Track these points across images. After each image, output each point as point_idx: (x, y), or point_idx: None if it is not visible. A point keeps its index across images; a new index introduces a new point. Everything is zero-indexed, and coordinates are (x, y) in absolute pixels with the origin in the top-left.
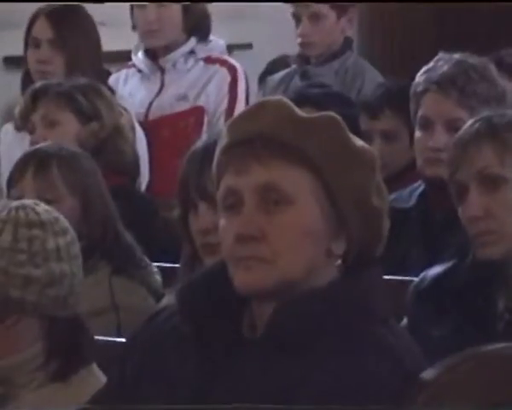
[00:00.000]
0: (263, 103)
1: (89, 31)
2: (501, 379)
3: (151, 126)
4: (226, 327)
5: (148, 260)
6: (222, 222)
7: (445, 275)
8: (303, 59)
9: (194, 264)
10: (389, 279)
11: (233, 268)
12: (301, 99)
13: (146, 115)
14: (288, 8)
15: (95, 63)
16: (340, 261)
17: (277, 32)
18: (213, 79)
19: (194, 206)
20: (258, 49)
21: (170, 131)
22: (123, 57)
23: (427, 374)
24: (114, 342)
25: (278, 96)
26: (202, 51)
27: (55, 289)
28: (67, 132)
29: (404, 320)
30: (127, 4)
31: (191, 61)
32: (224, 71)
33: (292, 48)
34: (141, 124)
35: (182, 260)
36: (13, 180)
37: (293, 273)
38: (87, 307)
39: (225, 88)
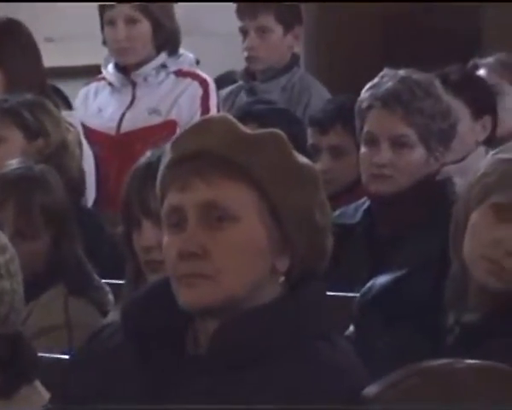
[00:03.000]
0: (207, 120)
1: (27, 46)
2: (444, 395)
3: (123, 140)
4: (169, 344)
5: (101, 281)
6: (165, 239)
7: (394, 285)
8: (249, 75)
9: (138, 281)
10: (335, 295)
11: (176, 285)
12: (245, 115)
13: (117, 129)
14: (236, 24)
15: (36, 78)
16: (283, 278)
17: (224, 49)
18: (185, 93)
19: (137, 223)
20: (205, 65)
21: (142, 145)
22: (70, 73)
23: (370, 390)
24: (60, 359)
25: (222, 113)
26: (173, 65)
27: None
28: (13, 149)
29: (350, 328)
30: (76, 19)
31: (162, 75)
32: (195, 84)
33: (238, 65)
34: (112, 137)
35: (126, 277)
36: None
37: (236, 290)
38: (40, 324)
39: (197, 102)
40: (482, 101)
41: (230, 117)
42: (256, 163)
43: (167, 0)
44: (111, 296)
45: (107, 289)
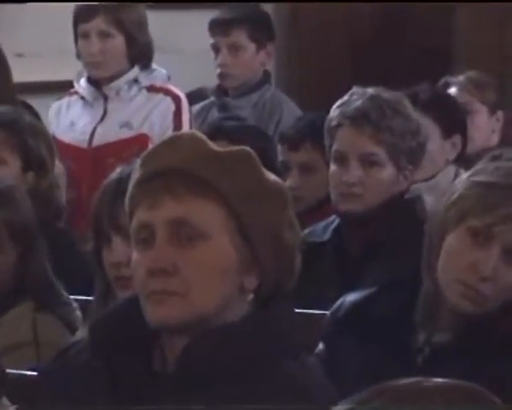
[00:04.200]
0: (176, 137)
1: None
2: None
3: (94, 154)
4: (137, 362)
5: (69, 297)
6: (134, 256)
7: (364, 304)
8: (221, 91)
9: (107, 297)
10: (304, 313)
11: (145, 302)
12: (216, 132)
13: (89, 142)
14: (207, 41)
15: (6, 94)
16: (252, 296)
17: (194, 66)
18: (157, 108)
19: (107, 239)
20: (175, 82)
21: (114, 158)
22: (40, 88)
23: (338, 409)
24: (28, 375)
25: (191, 130)
26: (146, 80)
27: None
28: (8, 174)
29: (320, 347)
30: (47, 35)
31: (135, 90)
32: (168, 100)
33: (209, 82)
34: (83, 151)
35: (95, 293)
36: None
37: (205, 308)
38: (8, 341)
39: (170, 117)
40: (452, 119)
41: (200, 134)
42: (225, 181)
43: (136, 0)
44: (79, 313)
45: (75, 305)
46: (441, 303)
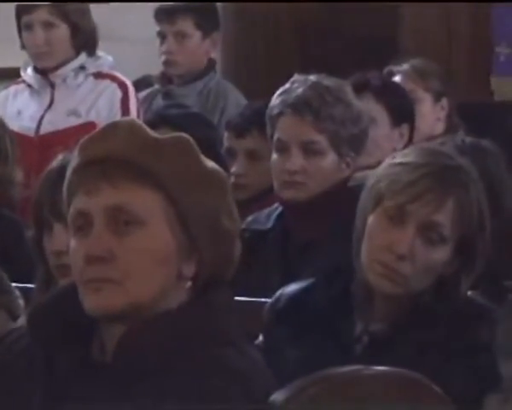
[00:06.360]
0: (114, 124)
1: None
2: (350, 401)
3: (42, 142)
4: (75, 350)
5: (10, 285)
6: (72, 243)
7: (303, 294)
8: (166, 79)
9: (49, 285)
10: (246, 301)
11: (82, 290)
12: (159, 120)
13: (37, 130)
14: (151, 29)
15: None
16: (190, 283)
17: (140, 54)
18: (104, 94)
19: (48, 226)
20: (122, 69)
21: (62, 147)
22: None
23: (276, 397)
24: None
25: (130, 118)
26: (92, 66)
27: None
28: None
29: (260, 338)
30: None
31: (81, 77)
32: (114, 86)
33: (154, 70)
34: (31, 139)
35: (36, 281)
36: None
37: (142, 296)
38: None
39: (117, 104)
40: (401, 109)
41: (138, 121)
42: (162, 168)
43: (88, 0)
44: (21, 301)
45: (17, 293)
46: (373, 290)
